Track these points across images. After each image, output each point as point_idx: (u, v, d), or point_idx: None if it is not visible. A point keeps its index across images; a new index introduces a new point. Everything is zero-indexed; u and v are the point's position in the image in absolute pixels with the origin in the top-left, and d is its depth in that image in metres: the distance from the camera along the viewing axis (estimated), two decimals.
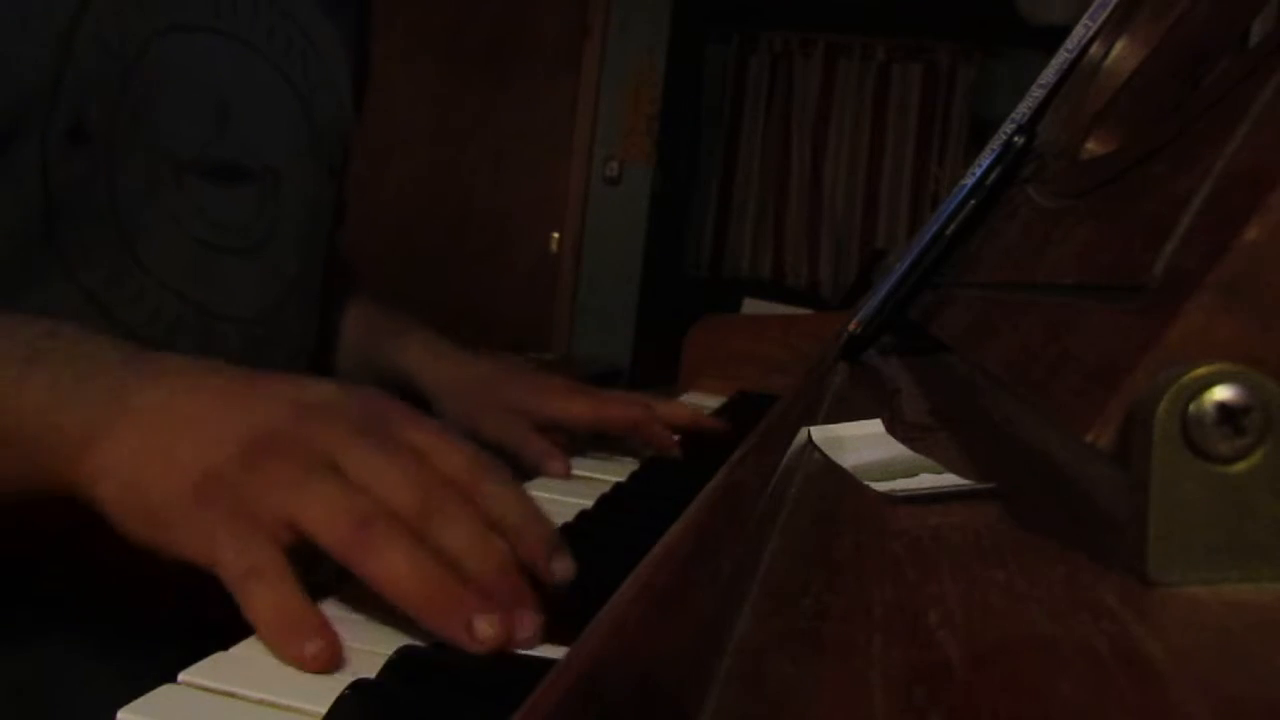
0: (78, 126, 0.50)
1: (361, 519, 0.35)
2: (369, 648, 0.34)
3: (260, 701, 0.31)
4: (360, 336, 0.81)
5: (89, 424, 0.39)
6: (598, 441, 0.74)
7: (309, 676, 0.33)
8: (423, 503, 0.37)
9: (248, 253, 0.60)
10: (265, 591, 0.34)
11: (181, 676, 0.32)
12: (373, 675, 0.32)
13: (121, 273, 0.53)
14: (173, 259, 0.55)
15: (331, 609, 0.36)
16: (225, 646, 0.34)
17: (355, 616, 0.37)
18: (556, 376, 0.76)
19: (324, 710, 0.29)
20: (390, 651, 0.34)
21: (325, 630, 0.34)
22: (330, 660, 0.33)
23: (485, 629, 0.34)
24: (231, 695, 0.31)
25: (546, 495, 0.59)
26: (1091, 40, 0.54)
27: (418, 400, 0.77)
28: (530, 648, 0.36)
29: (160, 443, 0.39)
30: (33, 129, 0.49)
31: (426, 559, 0.35)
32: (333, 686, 0.30)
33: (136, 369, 0.41)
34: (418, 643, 0.35)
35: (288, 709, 0.31)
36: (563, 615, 0.36)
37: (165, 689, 0.31)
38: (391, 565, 0.35)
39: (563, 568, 0.40)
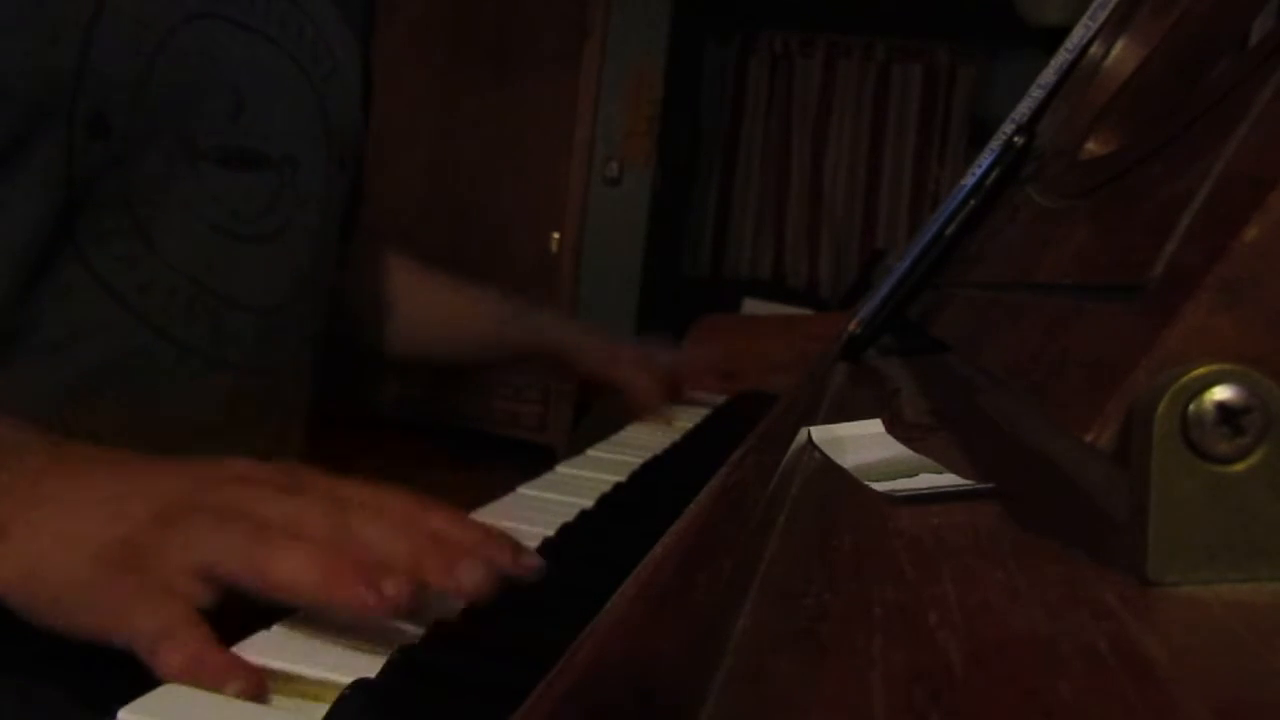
0: (99, 119, 0.51)
1: (262, 537, 0.35)
2: (369, 648, 0.34)
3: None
4: (502, 320, 0.92)
5: None
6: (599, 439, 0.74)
7: (309, 678, 0.33)
8: (336, 523, 0.36)
9: (263, 240, 0.60)
10: (175, 649, 0.33)
11: None
12: (373, 675, 0.32)
13: (135, 258, 0.53)
14: (187, 245, 0.55)
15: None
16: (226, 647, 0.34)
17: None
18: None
19: (324, 710, 0.29)
20: (390, 652, 0.34)
21: (241, 669, 0.32)
22: (254, 693, 0.31)
23: (392, 587, 0.33)
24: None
25: (546, 495, 0.59)
26: (1091, 40, 0.54)
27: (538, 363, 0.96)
28: (482, 592, 0.35)
29: (62, 527, 0.37)
30: (57, 122, 0.49)
31: (322, 551, 0.34)
32: (333, 687, 0.30)
33: (43, 460, 0.40)
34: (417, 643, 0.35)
35: (288, 709, 0.31)
36: (563, 615, 0.36)
37: (165, 689, 0.31)
38: (290, 562, 0.34)
39: (529, 562, 0.39)
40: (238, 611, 0.35)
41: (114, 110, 0.51)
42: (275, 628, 0.36)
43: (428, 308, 0.88)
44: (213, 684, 0.32)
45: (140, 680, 0.31)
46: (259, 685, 0.32)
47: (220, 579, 0.35)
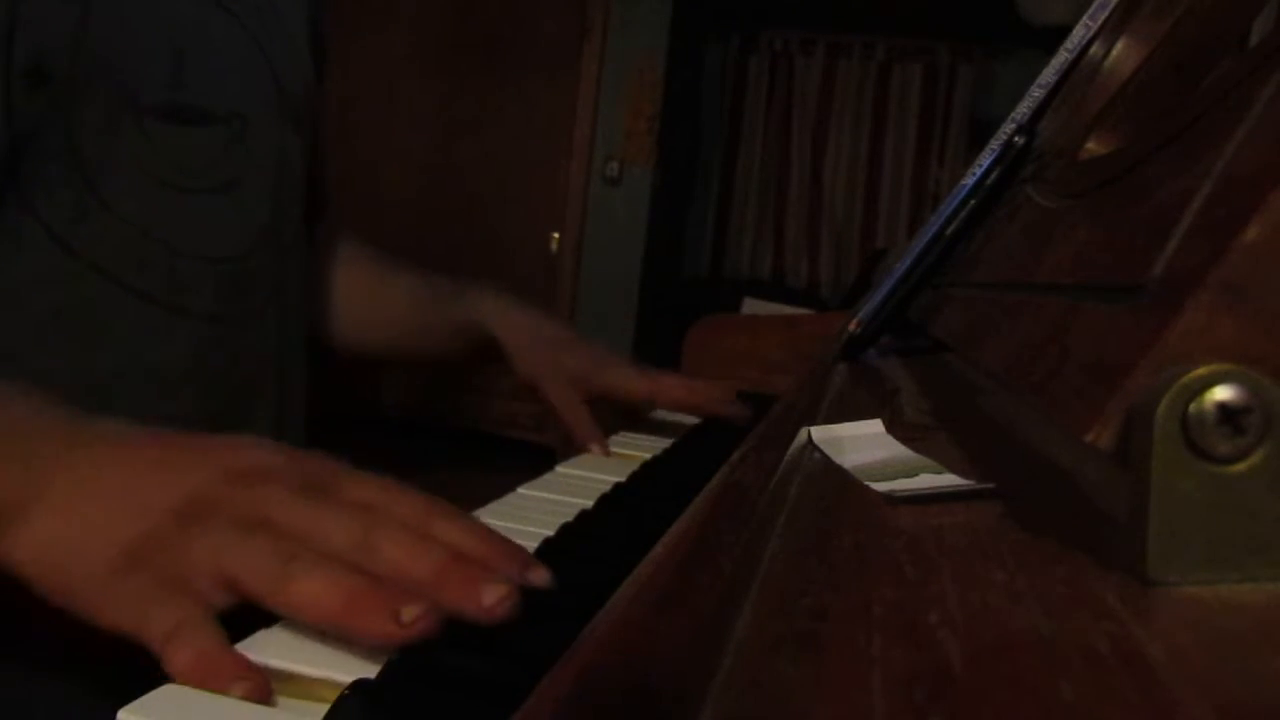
0: (37, 67, 0.51)
1: (287, 557, 0.35)
2: (369, 648, 0.34)
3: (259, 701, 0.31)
4: (418, 301, 0.85)
5: (11, 502, 0.38)
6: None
7: (309, 677, 0.33)
8: (358, 538, 0.36)
9: (216, 193, 0.61)
10: (185, 648, 0.33)
11: None
12: (373, 675, 0.32)
13: (84, 210, 0.54)
14: (136, 198, 0.56)
15: None
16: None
17: None
18: (615, 354, 0.83)
19: (324, 710, 0.29)
20: (390, 652, 0.34)
21: (248, 671, 0.32)
22: (259, 695, 0.31)
23: (411, 613, 0.33)
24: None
25: (546, 495, 0.59)
26: (1091, 40, 0.54)
27: (490, 353, 0.83)
28: (503, 613, 0.35)
29: (83, 518, 0.38)
30: None
31: (345, 575, 0.34)
32: (333, 687, 0.30)
33: (66, 439, 0.40)
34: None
35: (288, 709, 0.31)
36: (563, 615, 0.36)
37: (165, 689, 0.31)
38: (309, 587, 0.34)
39: (538, 576, 0.38)
40: (242, 609, 0.35)
41: (52, 60, 0.51)
42: (276, 627, 0.36)
43: (352, 292, 0.85)
44: (219, 686, 0.31)
45: (140, 679, 0.31)
46: (264, 688, 0.32)
47: (240, 592, 0.35)
